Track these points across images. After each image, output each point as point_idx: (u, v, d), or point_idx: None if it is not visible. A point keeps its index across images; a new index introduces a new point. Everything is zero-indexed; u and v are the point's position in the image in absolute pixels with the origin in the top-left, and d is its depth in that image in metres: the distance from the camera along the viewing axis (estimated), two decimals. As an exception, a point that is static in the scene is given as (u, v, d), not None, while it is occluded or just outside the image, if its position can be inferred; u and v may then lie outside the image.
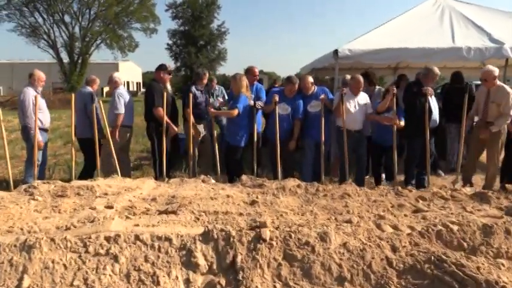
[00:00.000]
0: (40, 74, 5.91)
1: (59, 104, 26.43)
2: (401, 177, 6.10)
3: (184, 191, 4.34)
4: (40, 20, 39.72)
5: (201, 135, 6.20)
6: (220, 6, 49.62)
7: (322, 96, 5.63)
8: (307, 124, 5.79)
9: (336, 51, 6.69)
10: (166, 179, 5.12)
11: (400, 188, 4.65)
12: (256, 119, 5.98)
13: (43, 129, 5.94)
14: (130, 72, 63.74)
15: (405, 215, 3.71)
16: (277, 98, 5.54)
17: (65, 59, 40.36)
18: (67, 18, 40.41)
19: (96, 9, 40.91)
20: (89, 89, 6.11)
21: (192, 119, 5.73)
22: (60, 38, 40.42)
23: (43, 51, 41.02)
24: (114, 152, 5.35)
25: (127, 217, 3.37)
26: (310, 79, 5.90)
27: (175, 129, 5.91)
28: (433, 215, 3.69)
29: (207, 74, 6.33)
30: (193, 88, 6.19)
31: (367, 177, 6.72)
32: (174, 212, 3.50)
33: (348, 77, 6.42)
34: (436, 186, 5.51)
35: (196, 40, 48.52)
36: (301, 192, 4.42)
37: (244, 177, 4.84)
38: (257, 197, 4.14)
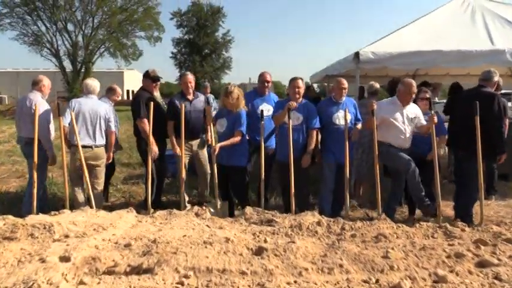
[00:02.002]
0: (49, 81, 5.05)
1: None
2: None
3: (170, 230, 3.34)
4: (43, 28, 39.02)
5: (187, 155, 5.05)
6: (226, 15, 49.20)
7: (359, 126, 4.69)
8: (329, 139, 4.65)
9: (357, 54, 5.71)
10: (152, 211, 4.14)
11: (448, 225, 3.63)
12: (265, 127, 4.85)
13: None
14: (135, 81, 63.05)
15: (469, 272, 2.70)
16: (294, 104, 4.45)
17: (68, 67, 39.73)
18: (70, 27, 39.71)
19: (100, 17, 40.24)
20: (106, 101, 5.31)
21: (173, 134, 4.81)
22: (63, 46, 39.82)
23: (46, 59, 40.37)
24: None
25: (81, 281, 2.38)
26: (346, 82, 4.73)
27: (156, 150, 4.77)
28: (509, 272, 2.68)
29: (190, 76, 4.98)
30: (174, 99, 4.95)
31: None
32: (150, 271, 2.51)
33: (377, 85, 5.39)
34: (486, 218, 4.44)
35: (201, 49, 48.03)
36: (323, 231, 3.42)
37: (249, 210, 3.84)
38: (265, 241, 3.15)
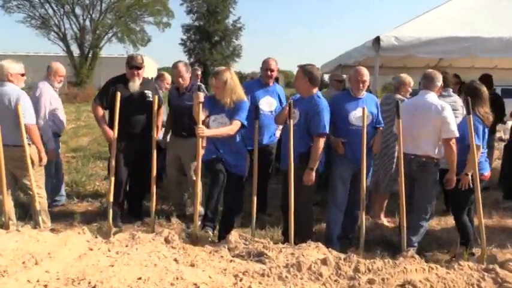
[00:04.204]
0: (59, 67, 4.52)
1: (65, 98, 25.15)
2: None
3: (124, 267, 2.49)
4: (50, 11, 38.50)
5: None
6: (236, 1, 48.07)
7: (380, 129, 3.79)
8: (345, 143, 3.57)
9: (377, 39, 4.75)
10: (114, 230, 3.30)
11: (498, 267, 2.72)
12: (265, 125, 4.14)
13: (57, 134, 4.50)
14: (145, 68, 62.12)
15: None
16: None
17: (76, 52, 39.14)
18: (78, 10, 39.00)
19: (108, 1, 39.45)
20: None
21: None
22: (70, 30, 39.16)
23: (53, 43, 39.75)
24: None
25: None
26: (366, 72, 3.69)
27: (110, 134, 3.86)
28: None
29: (182, 68, 4.16)
30: (171, 88, 4.52)
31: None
32: None
33: (409, 78, 4.32)
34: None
35: (211, 36, 47.11)
36: (330, 273, 2.54)
37: (234, 237, 2.96)
38: (250, 288, 2.29)
